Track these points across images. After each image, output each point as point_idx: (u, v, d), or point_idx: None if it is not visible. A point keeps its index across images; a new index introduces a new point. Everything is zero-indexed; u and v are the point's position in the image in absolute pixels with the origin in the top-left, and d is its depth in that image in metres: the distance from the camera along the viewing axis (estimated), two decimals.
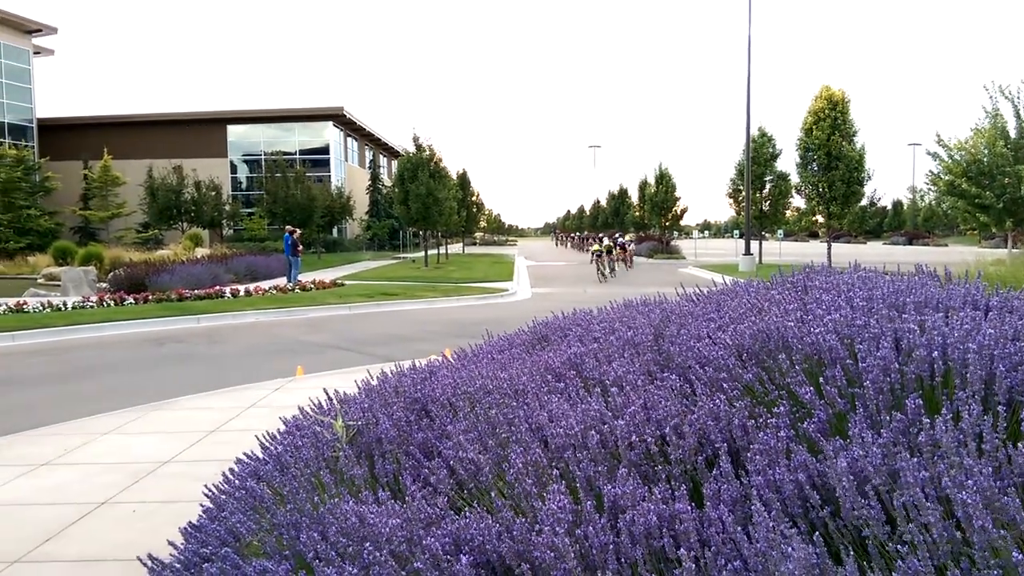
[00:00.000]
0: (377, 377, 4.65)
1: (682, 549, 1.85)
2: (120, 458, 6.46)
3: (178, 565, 2.59)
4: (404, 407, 3.81)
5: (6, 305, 17.22)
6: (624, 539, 1.95)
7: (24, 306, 17.33)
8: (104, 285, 23.03)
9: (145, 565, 2.64)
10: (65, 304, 17.80)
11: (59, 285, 22.92)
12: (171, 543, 2.90)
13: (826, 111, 28.30)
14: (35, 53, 49.83)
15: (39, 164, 44.55)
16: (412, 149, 37.14)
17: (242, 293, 20.91)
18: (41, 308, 17.25)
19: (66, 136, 51.19)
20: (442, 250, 47.44)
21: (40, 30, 48.95)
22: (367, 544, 2.09)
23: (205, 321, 16.58)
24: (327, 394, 4.40)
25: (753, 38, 33.15)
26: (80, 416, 8.02)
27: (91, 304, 18.28)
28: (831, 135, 27.96)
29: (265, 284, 23.59)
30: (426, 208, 36.06)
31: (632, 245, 43.04)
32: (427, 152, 36.99)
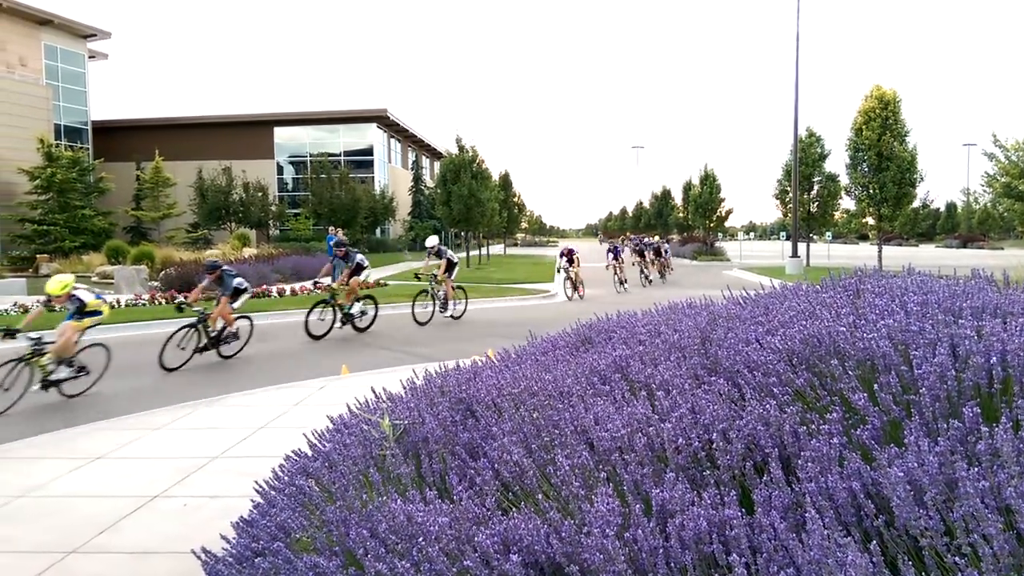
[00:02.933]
0: (422, 377, 4.69)
1: (733, 555, 1.83)
2: (171, 453, 6.62)
3: (231, 559, 2.64)
4: (449, 407, 3.84)
5: None
6: (674, 543, 1.94)
7: None
8: (155, 284, 23.62)
9: (199, 558, 2.71)
10: (118, 302, 18.28)
11: (112, 283, 23.60)
12: (223, 537, 2.97)
13: (877, 111, 27.71)
14: (90, 57, 51.29)
15: (93, 165, 45.81)
16: (455, 150, 37.39)
17: (288, 292, 21.27)
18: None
19: (119, 138, 52.63)
20: (483, 251, 47.61)
21: (94, 35, 50.39)
22: (419, 540, 2.12)
23: (253, 320, 16.85)
24: (374, 393, 4.44)
25: (801, 36, 32.65)
26: (134, 411, 8.25)
27: (143, 302, 18.76)
28: (882, 135, 27.36)
29: (310, 284, 23.93)
30: (468, 209, 36.25)
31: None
32: (469, 153, 37.20)
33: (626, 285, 24.30)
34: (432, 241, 16.86)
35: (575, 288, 21.73)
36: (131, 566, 4.38)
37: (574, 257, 21.83)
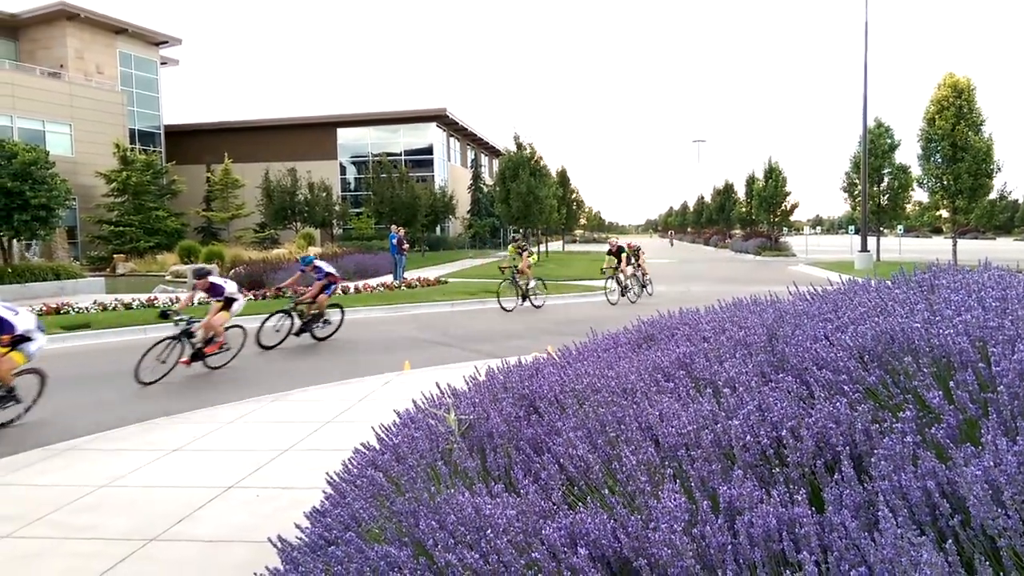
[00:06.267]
0: (485, 373, 4.74)
1: (803, 552, 1.82)
2: (243, 445, 6.85)
3: (305, 548, 2.74)
4: (512, 403, 3.88)
5: (139, 301, 18.46)
6: (742, 540, 1.94)
7: (154, 302, 18.55)
8: None
9: (275, 547, 2.81)
10: (192, 300, 18.91)
11: (185, 282, 24.47)
12: (297, 526, 3.07)
13: (950, 99, 26.73)
14: (161, 64, 53.11)
15: (166, 168, 47.43)
16: (513, 148, 37.52)
17: (351, 290, 21.65)
18: (170, 303, 18.40)
19: (190, 141, 54.39)
20: (542, 248, 47.62)
21: (166, 42, 52.15)
22: (487, 532, 2.16)
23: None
24: (439, 388, 4.52)
25: (870, 22, 31.63)
26: (207, 405, 8.55)
27: None
28: (956, 124, 26.38)
29: (373, 281, 24.36)
30: (527, 206, 36.34)
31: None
32: (528, 151, 37.27)
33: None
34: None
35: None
36: (209, 553, 4.56)
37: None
